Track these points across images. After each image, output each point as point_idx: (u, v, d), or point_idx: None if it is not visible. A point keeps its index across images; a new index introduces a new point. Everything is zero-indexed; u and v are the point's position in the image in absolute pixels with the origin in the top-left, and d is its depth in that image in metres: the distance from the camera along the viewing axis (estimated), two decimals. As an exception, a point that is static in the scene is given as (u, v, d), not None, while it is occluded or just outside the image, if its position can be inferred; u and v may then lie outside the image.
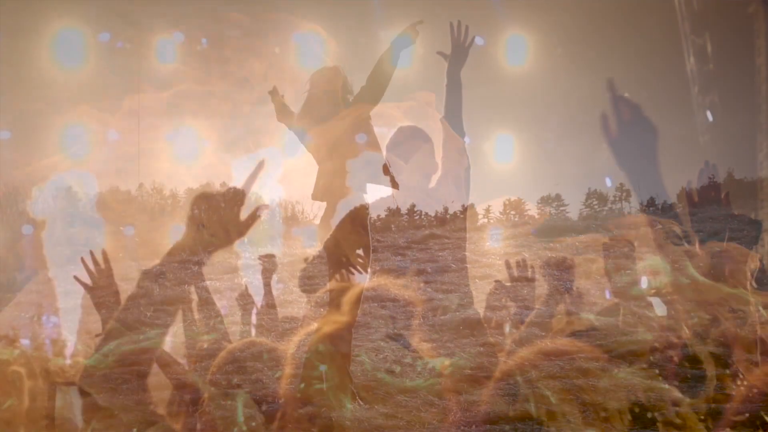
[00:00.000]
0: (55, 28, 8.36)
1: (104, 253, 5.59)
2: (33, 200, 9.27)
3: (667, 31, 7.89)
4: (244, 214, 4.99)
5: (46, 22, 8.27)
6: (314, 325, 5.64)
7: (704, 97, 7.81)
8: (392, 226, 9.40)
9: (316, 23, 7.64)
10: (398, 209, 9.52)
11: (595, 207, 9.45)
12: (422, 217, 9.56)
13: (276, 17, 8.01)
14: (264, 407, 5.72)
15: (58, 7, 8.27)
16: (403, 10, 7.98)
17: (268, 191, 9.67)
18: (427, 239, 9.23)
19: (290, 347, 6.19)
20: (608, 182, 9.20)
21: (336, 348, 5.51)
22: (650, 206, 9.18)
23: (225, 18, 8.29)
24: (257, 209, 4.96)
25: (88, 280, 5.66)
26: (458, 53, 5.11)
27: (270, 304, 7.33)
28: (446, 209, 9.35)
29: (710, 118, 7.62)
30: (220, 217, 4.95)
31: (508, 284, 7.31)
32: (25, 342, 6.30)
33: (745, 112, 7.80)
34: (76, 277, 5.63)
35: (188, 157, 9.00)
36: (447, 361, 5.97)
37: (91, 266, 5.58)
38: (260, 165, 4.91)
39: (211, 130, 8.52)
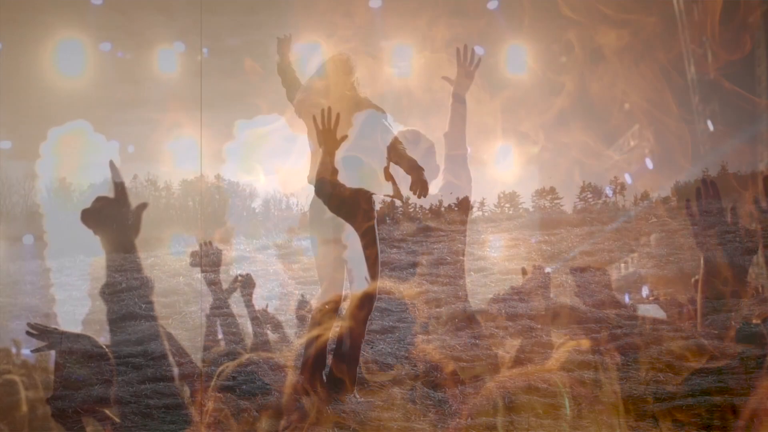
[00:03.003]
0: (56, 39, 8.40)
1: (37, 324, 5.48)
2: (27, 192, 9.25)
3: (667, 40, 7.91)
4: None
5: (48, 33, 8.30)
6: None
7: (705, 106, 7.83)
8: (387, 218, 9.40)
9: (316, 33, 7.65)
10: (393, 202, 9.52)
11: (590, 200, 9.47)
12: (417, 209, 9.56)
13: (276, 26, 8.04)
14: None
15: (59, 17, 8.29)
16: (404, 20, 7.99)
17: (262, 184, 9.67)
18: (422, 232, 9.23)
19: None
20: (609, 191, 9.23)
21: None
22: (644, 200, 9.21)
23: (226, 28, 8.32)
24: (139, 207, 4.93)
25: (42, 345, 5.59)
26: (464, 77, 5.12)
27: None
28: (441, 202, 9.35)
29: (711, 127, 7.65)
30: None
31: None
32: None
33: (745, 121, 7.83)
34: (33, 351, 5.57)
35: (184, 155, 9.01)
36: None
37: (35, 333, 5.49)
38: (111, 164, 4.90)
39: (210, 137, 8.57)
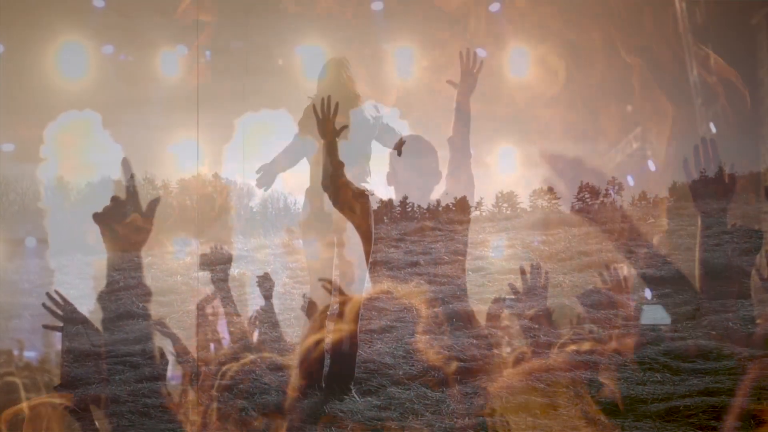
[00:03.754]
0: (59, 42, 8.44)
1: (58, 293, 5.51)
2: (25, 191, 9.24)
3: (669, 42, 7.92)
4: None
5: (50, 36, 8.32)
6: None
7: (707, 108, 7.84)
8: (384, 218, 9.41)
9: (319, 36, 7.69)
10: (391, 201, 9.52)
11: (587, 200, 9.48)
12: (415, 209, 9.57)
13: (279, 30, 8.07)
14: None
15: (61, 20, 8.32)
16: (406, 22, 8.01)
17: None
18: (420, 231, 9.24)
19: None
20: (612, 194, 9.25)
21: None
22: (642, 200, 9.22)
23: (228, 31, 8.34)
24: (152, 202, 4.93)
25: (58, 323, 5.61)
26: (467, 80, 5.14)
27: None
28: (438, 201, 9.36)
29: (713, 129, 7.66)
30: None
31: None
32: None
33: (747, 123, 7.84)
34: (45, 326, 5.57)
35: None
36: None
37: (54, 307, 5.51)
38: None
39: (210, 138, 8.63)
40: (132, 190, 4.87)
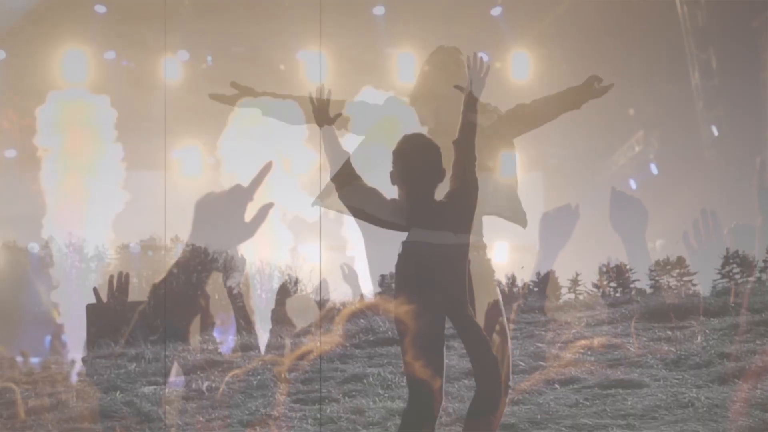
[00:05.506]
0: (60, 47, 8.47)
1: (127, 276, 5.66)
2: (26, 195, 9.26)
3: (671, 46, 7.94)
4: (249, 215, 4.97)
5: (52, 42, 8.36)
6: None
7: (709, 112, 7.86)
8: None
9: (320, 40, 7.69)
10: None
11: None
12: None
13: (280, 34, 8.07)
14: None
15: (63, 26, 8.34)
16: (407, 27, 8.01)
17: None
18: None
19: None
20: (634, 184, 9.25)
21: None
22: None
23: (230, 35, 8.37)
24: (264, 208, 4.93)
25: (105, 297, 5.75)
26: (475, 84, 5.15)
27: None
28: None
29: (715, 133, 7.67)
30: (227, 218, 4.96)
31: None
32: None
33: (751, 127, 7.85)
34: (95, 290, 5.69)
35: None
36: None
37: (114, 287, 5.66)
38: (267, 166, 4.89)
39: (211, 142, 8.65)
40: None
